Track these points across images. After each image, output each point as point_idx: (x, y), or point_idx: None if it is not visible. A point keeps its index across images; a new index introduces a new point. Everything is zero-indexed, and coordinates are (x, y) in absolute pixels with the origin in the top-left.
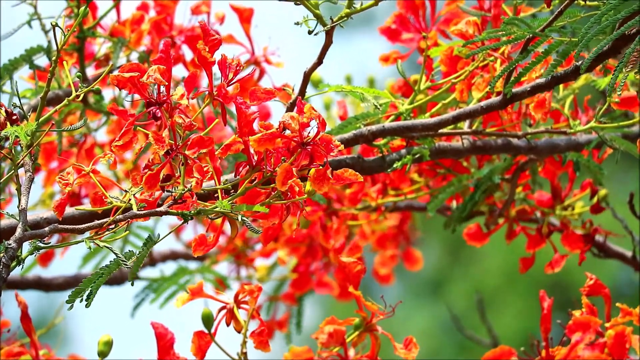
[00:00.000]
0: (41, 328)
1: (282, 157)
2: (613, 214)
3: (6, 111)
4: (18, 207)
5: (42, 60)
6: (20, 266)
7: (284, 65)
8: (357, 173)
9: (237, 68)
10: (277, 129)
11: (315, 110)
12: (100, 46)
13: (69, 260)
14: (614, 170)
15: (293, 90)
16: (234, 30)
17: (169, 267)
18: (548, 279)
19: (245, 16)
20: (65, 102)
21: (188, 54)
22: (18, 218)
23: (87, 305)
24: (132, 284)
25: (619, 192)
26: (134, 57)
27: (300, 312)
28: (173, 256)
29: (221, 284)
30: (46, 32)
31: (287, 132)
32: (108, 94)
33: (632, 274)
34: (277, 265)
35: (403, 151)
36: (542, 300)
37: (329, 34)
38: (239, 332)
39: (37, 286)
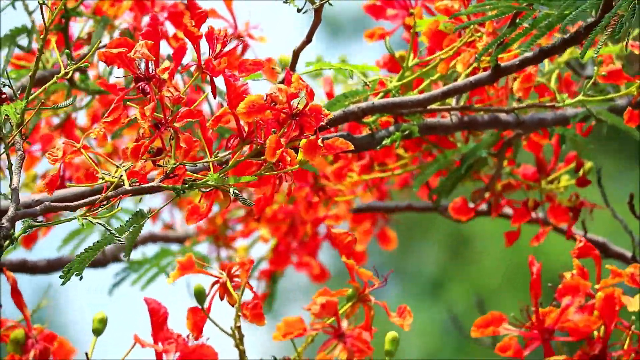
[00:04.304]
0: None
1: (273, 129)
2: (613, 214)
3: None
4: (10, 186)
5: (25, 41)
6: (13, 246)
7: (266, 40)
8: (348, 142)
9: (225, 39)
10: (264, 100)
11: (303, 81)
12: (84, 24)
13: (50, 243)
14: (614, 171)
15: (282, 68)
16: (217, 4)
17: (149, 250)
18: (548, 278)
19: None
20: (54, 79)
21: (170, 29)
22: (10, 197)
23: (79, 277)
24: (128, 260)
25: (618, 192)
26: (117, 35)
27: (273, 294)
28: (152, 239)
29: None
30: (30, 13)
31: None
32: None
33: None
34: (256, 243)
35: (392, 128)
36: (531, 265)
37: (317, 12)
38: (233, 305)
39: (23, 269)
